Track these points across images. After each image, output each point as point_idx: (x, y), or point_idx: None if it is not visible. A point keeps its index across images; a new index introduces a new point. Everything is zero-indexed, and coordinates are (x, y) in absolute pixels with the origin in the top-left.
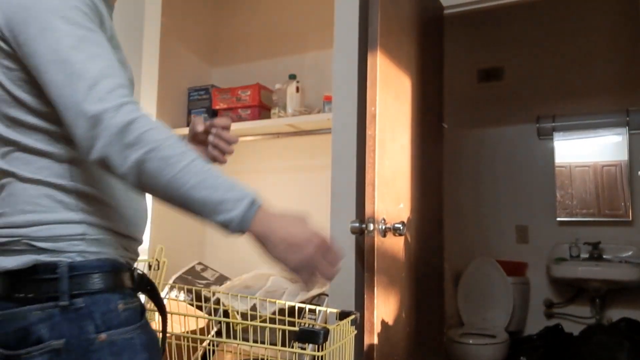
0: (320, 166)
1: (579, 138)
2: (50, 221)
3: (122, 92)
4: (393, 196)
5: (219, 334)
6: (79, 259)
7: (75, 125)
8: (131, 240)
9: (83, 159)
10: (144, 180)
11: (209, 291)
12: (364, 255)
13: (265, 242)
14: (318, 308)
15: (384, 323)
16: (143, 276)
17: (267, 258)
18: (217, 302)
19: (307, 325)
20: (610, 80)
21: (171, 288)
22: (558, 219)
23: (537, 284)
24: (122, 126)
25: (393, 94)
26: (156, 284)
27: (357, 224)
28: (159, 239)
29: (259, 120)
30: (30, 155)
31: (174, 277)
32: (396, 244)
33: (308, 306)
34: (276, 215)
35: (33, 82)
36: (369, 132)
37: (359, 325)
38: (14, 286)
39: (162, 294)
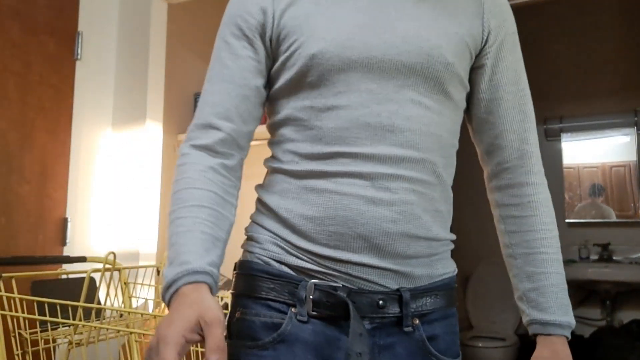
0: None
1: (587, 139)
2: None
3: (191, 135)
4: None
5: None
6: None
7: None
8: None
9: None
10: None
11: (217, 296)
12: None
13: None
14: None
15: None
16: None
17: None
18: (225, 307)
19: None
20: (618, 80)
21: None
22: (567, 220)
23: None
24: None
25: None
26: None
27: None
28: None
29: (265, 124)
30: None
31: None
32: None
33: None
34: (174, 305)
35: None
36: None
37: None
38: None
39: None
